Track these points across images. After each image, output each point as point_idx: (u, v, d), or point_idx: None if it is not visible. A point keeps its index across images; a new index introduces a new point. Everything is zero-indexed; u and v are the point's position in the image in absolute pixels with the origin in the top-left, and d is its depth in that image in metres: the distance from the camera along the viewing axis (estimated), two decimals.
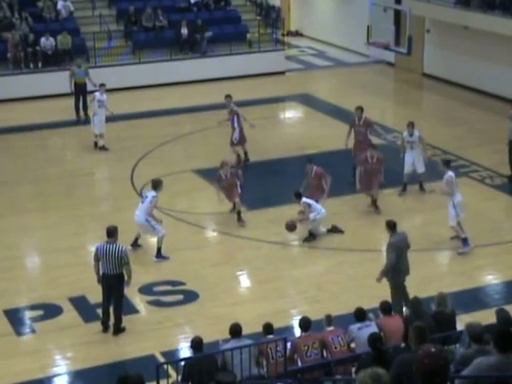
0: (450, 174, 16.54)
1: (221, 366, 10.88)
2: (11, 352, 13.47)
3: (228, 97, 21.64)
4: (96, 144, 22.87)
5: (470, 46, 28.30)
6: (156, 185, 16.72)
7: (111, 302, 13.86)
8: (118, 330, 13.88)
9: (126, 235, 17.64)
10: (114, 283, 13.72)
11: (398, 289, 13.66)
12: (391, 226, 13.91)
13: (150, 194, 16.62)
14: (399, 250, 13.63)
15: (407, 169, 19.38)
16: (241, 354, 10.85)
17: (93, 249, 14.14)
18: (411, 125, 19.43)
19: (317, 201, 17.51)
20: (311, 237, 17.19)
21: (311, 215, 17.00)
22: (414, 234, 17.54)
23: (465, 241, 16.50)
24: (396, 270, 13.63)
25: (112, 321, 13.89)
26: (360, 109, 20.09)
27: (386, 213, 18.37)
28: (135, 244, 16.90)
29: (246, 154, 21.65)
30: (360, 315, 11.89)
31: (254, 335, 12.09)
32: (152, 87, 28.93)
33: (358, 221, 18.33)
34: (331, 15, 36.78)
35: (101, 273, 13.76)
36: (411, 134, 19.31)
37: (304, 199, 17.21)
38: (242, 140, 21.46)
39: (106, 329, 13.90)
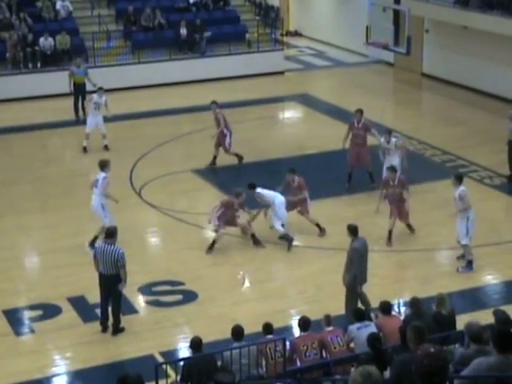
0: (462, 188, 15.81)
1: (221, 367, 10.88)
2: (10, 352, 13.46)
3: (213, 103, 21.19)
4: (85, 148, 22.78)
5: (469, 45, 28.31)
6: (103, 165, 16.84)
7: (109, 302, 13.86)
8: (117, 330, 13.86)
9: (126, 235, 17.65)
10: (111, 284, 13.69)
11: (354, 293, 13.59)
12: (353, 231, 13.69)
13: (100, 176, 16.74)
14: (362, 256, 13.51)
15: (384, 174, 18.91)
16: (240, 358, 10.86)
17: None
18: (388, 132, 19.25)
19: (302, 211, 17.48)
20: (285, 238, 17.05)
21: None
22: (413, 233, 17.57)
23: (470, 263, 15.89)
24: (352, 276, 13.54)
25: (111, 321, 13.89)
26: (360, 111, 19.95)
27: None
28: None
29: (215, 157, 21.22)
30: (359, 315, 11.89)
31: (253, 335, 12.09)
32: (151, 87, 28.93)
33: (356, 221, 18.26)
34: (330, 15, 36.79)
35: (98, 272, 13.77)
36: (388, 141, 19.14)
37: (258, 189, 17.11)
38: (219, 143, 21.04)
39: (104, 329, 13.90)
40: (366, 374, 5.70)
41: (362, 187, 19.68)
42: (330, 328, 11.85)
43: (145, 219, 18.68)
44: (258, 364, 11.24)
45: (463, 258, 15.98)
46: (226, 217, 16.76)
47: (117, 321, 13.86)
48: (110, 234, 13.81)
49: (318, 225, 17.43)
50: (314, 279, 15.64)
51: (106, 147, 22.76)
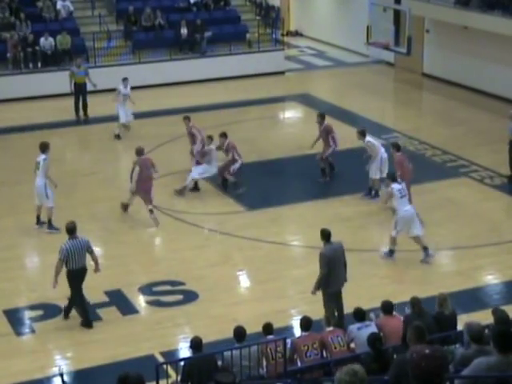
0: (392, 186, 16.17)
1: (221, 367, 10.87)
2: (11, 352, 13.46)
3: (186, 118, 20.55)
4: (118, 136, 23.68)
5: (470, 45, 28.31)
6: (43, 148, 17.68)
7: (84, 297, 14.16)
8: (67, 314, 14.20)
9: (126, 235, 17.68)
10: (81, 276, 14.00)
11: (329, 299, 13.55)
12: (324, 236, 13.60)
13: (40, 158, 17.50)
14: (330, 261, 13.38)
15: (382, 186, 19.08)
16: (241, 359, 10.87)
17: (93, 249, 14.11)
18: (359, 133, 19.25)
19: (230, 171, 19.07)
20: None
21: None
22: None
23: (391, 252, 16.31)
24: (326, 281, 13.48)
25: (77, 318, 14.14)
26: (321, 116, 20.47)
27: (385, 213, 18.36)
28: (40, 222, 17.81)
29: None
30: (360, 315, 11.88)
31: (253, 335, 12.08)
32: (151, 87, 28.92)
33: (356, 221, 18.31)
34: (331, 15, 36.79)
35: (65, 270, 13.90)
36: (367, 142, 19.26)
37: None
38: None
39: (90, 324, 14.05)
40: (351, 372, 5.72)
41: (361, 188, 19.68)
42: (331, 328, 11.86)
43: (145, 219, 18.66)
44: (259, 365, 11.23)
45: (425, 250, 16.18)
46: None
47: (70, 306, 14.18)
48: (71, 230, 14.09)
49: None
50: (314, 279, 15.59)
51: (118, 136, 23.64)
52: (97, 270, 14.24)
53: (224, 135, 19.72)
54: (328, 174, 20.23)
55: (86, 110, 25.78)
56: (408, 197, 16.42)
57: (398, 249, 16.67)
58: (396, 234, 16.16)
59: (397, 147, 18.15)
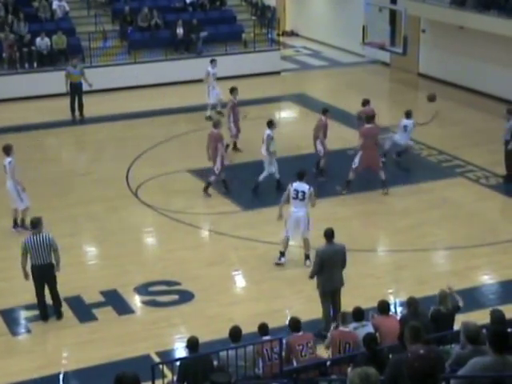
0: (293, 183, 16.12)
1: (217, 367, 10.87)
2: (7, 352, 13.46)
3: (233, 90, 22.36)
4: (210, 117, 24.60)
5: (466, 46, 28.33)
6: (7, 150, 17.62)
7: (44, 292, 14.16)
8: (61, 313, 14.23)
9: (122, 235, 17.67)
10: (46, 272, 14.00)
11: (324, 298, 13.60)
12: (326, 235, 13.61)
13: (6, 160, 17.48)
14: (324, 261, 13.40)
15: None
16: (237, 359, 10.86)
17: (89, 249, 14.15)
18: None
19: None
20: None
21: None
22: (410, 234, 17.60)
23: (282, 254, 16.28)
24: (320, 280, 13.55)
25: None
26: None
27: (384, 213, 18.41)
28: (16, 225, 17.84)
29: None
30: (358, 315, 11.85)
31: (249, 335, 12.08)
32: (147, 87, 28.91)
33: (354, 221, 18.33)
34: (326, 15, 36.79)
35: (30, 265, 13.96)
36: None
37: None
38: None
39: (46, 318, 14.18)
40: (364, 376, 5.67)
41: (360, 188, 19.69)
42: (343, 328, 11.70)
43: (141, 219, 18.68)
44: (254, 365, 11.23)
45: (281, 254, 16.24)
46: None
47: (58, 305, 14.25)
48: (35, 224, 14.11)
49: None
50: (310, 279, 15.63)
51: (209, 117, 24.64)
52: (56, 269, 14.16)
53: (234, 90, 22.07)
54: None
55: (82, 110, 25.74)
56: (306, 201, 16.02)
57: (394, 249, 16.69)
58: (286, 233, 16.17)
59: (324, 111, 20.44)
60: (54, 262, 14.10)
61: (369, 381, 5.65)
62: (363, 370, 5.71)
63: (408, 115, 21.28)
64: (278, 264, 16.19)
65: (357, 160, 19.31)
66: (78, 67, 25.76)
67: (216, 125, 19.51)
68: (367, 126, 19.53)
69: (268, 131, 19.46)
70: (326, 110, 20.74)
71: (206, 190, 19.49)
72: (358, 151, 19.40)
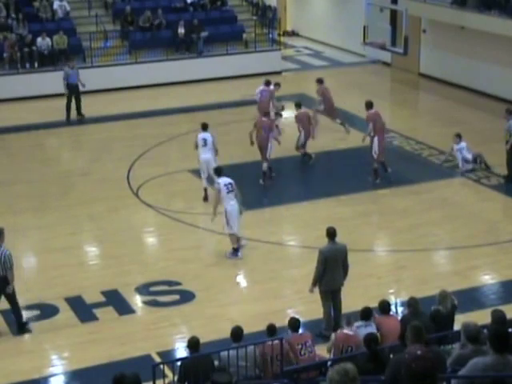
0: (219, 181, 16.40)
1: (218, 367, 10.86)
2: (7, 352, 13.46)
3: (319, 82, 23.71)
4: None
5: (467, 46, 28.31)
6: None
7: None
8: (22, 326, 13.92)
9: (123, 235, 17.67)
10: (1, 286, 13.67)
11: (325, 297, 13.57)
12: (328, 234, 13.54)
13: None
14: (327, 260, 13.37)
15: None
16: (238, 360, 10.86)
17: (90, 249, 14.16)
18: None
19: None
20: None
21: None
22: (410, 234, 17.60)
23: (235, 251, 16.49)
24: (320, 279, 13.49)
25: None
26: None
27: (383, 213, 18.42)
28: None
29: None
30: (365, 314, 11.83)
31: (250, 335, 12.08)
32: (148, 87, 28.91)
33: (354, 221, 18.32)
34: (327, 15, 36.79)
35: None
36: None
37: None
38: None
39: None
40: (342, 372, 5.71)
41: (357, 188, 19.70)
42: (346, 330, 11.68)
43: (142, 219, 18.68)
44: (255, 365, 11.23)
45: (234, 250, 16.46)
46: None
47: (19, 317, 13.92)
48: None
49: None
50: (310, 279, 15.59)
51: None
52: (8, 289, 13.75)
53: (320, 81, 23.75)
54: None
55: (80, 110, 25.70)
56: (235, 192, 16.36)
57: (395, 249, 16.70)
58: (231, 230, 16.33)
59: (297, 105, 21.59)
60: (8, 277, 13.70)
61: (348, 376, 5.68)
62: (341, 367, 5.77)
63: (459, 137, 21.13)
64: (232, 257, 16.41)
65: (376, 147, 19.49)
66: (74, 68, 25.75)
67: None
68: (370, 111, 19.93)
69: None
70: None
71: (264, 178, 20.02)
72: (373, 137, 19.68)
